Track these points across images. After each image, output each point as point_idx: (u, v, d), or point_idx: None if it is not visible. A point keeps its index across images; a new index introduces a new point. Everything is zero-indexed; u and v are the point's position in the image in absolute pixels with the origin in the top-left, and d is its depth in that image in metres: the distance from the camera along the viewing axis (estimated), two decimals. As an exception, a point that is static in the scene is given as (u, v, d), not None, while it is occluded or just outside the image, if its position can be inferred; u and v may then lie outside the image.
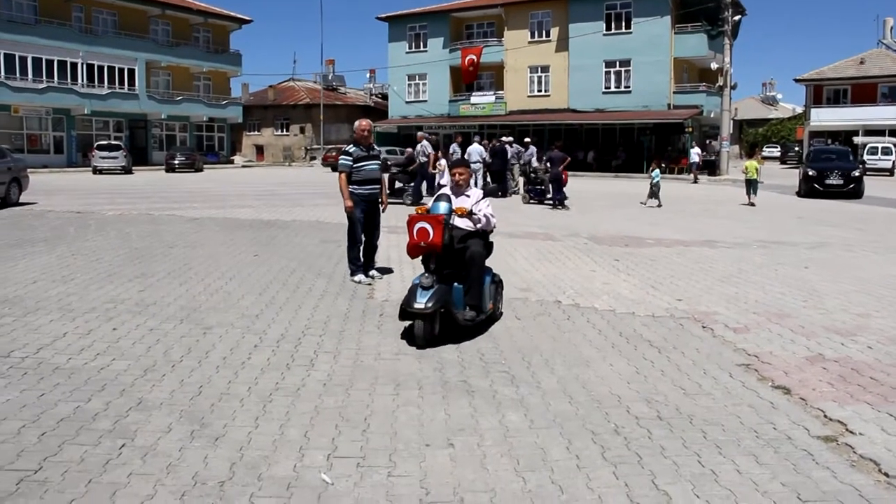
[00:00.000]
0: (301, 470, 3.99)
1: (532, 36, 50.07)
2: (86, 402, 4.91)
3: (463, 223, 6.90)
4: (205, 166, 47.07)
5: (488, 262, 7.09)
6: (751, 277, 9.82)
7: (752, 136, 79.80)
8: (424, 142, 22.32)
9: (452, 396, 5.16)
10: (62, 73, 46.98)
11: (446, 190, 7.19)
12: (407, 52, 55.05)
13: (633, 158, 44.85)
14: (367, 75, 71.17)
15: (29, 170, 21.33)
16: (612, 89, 47.03)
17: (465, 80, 50.90)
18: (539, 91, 50.04)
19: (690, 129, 44.62)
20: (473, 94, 52.26)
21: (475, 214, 6.85)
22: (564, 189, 20.39)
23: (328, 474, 3.94)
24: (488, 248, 7.08)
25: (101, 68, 48.95)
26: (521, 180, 26.52)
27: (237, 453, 4.17)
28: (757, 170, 22.64)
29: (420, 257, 6.70)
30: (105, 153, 40.46)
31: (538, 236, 14.04)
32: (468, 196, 7.04)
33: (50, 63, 46.31)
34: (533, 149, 26.65)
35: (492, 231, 7.14)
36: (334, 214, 13.39)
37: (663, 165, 44.26)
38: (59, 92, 46.43)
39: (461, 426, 4.64)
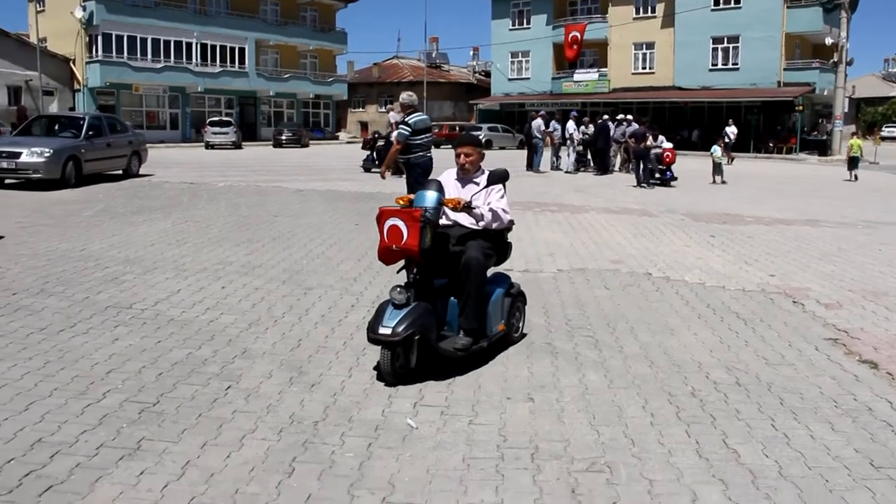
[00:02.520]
0: (388, 415, 4.30)
1: (637, 12, 49.18)
2: (197, 349, 5.38)
3: (465, 219, 5.37)
4: (310, 142, 48.29)
5: (510, 266, 6.18)
6: (850, 256, 9.63)
7: (870, 116, 76.20)
8: (538, 120, 23.33)
9: (536, 357, 5.39)
10: (178, 53, 49.01)
11: (448, 174, 5.61)
12: (510, 30, 54.95)
13: (740, 137, 43.61)
14: (471, 53, 71.49)
15: (147, 144, 22.48)
16: (720, 66, 45.81)
17: (568, 57, 50.51)
18: (643, 68, 49.17)
19: (801, 108, 43.06)
20: (576, 71, 51.77)
21: (475, 208, 5.22)
22: (672, 168, 20.17)
23: (414, 420, 4.23)
24: (499, 251, 5.51)
25: (213, 48, 50.80)
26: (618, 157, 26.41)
27: (331, 398, 4.52)
28: (860, 147, 22.77)
29: (403, 264, 5.07)
30: (217, 129, 42.02)
31: (635, 212, 14.05)
32: (477, 183, 5.39)
33: (167, 44, 48.37)
34: (634, 125, 26.40)
35: (509, 229, 5.59)
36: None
37: (770, 144, 43.19)
38: (175, 71, 48.47)
39: (542, 383, 4.86)
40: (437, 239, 5.03)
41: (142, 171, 20.83)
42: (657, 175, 19.99)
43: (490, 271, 5.45)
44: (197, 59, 49.84)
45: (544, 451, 3.87)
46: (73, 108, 43.01)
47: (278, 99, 55.81)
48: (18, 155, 16.38)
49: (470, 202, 5.20)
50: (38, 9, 46.67)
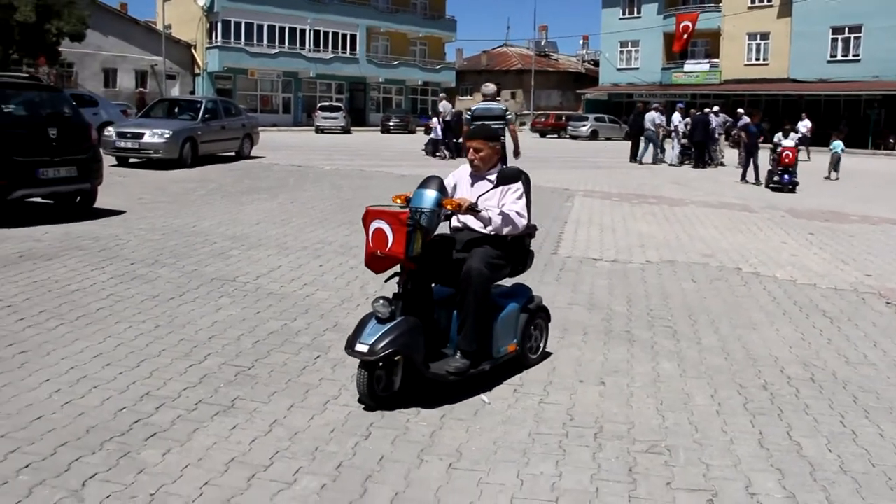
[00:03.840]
0: (464, 390, 4.56)
1: (752, 1, 47.66)
2: (292, 321, 5.78)
3: (475, 222, 4.74)
4: (417, 128, 48.94)
5: (529, 278, 5.34)
6: (959, 259, 9.31)
7: None
8: (653, 113, 23.72)
9: (613, 344, 5.55)
10: (292, 39, 50.56)
11: (463, 170, 4.98)
12: (620, 18, 54.21)
13: (857, 132, 41.79)
14: (581, 42, 70.79)
15: (260, 128, 23.39)
16: (839, 57, 43.92)
17: (677, 47, 49.44)
18: (757, 59, 47.67)
19: (929, 103, 40.95)
20: (686, 62, 50.66)
21: (482, 210, 4.60)
22: (793, 170, 17.30)
23: (488, 395, 4.48)
24: (515, 260, 4.88)
25: (326, 34, 52.13)
26: (728, 151, 25.88)
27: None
28: None
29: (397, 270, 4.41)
30: (327, 114, 43.20)
31: (734, 207, 13.85)
32: (490, 181, 4.75)
33: (282, 30, 49.96)
34: (745, 119, 25.78)
35: (531, 235, 5.03)
36: (533, 177, 13.87)
37: (891, 140, 41.21)
38: (289, 57, 50.00)
39: (615, 369, 5.03)
40: (439, 244, 4.59)
41: (253, 154, 21.71)
42: (775, 178, 17.35)
43: (509, 282, 5.03)
44: (310, 46, 51.25)
45: (608, 431, 4.05)
46: (192, 92, 44.93)
47: (387, 85, 56.74)
48: (141, 136, 17.41)
49: (475, 203, 4.57)
50: (165, -4, 48.89)
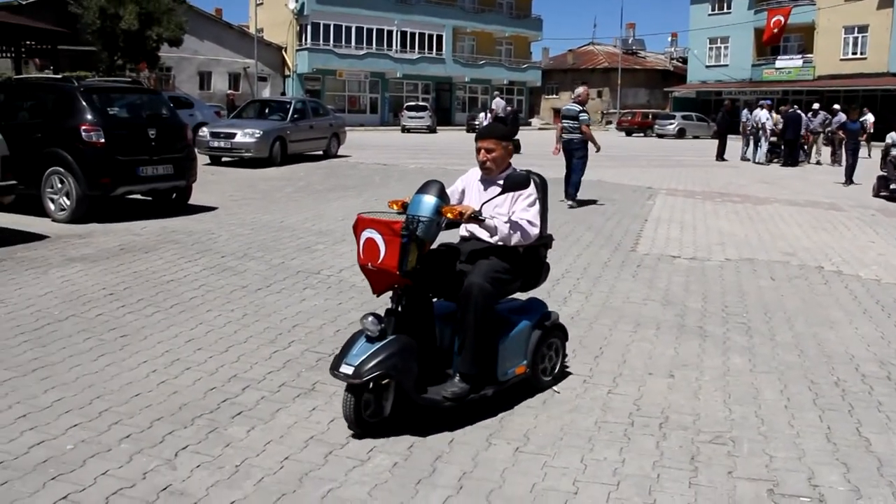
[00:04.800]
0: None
1: (851, -7, 46.09)
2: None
3: (482, 231, 4.32)
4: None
5: (544, 291, 4.99)
6: None
7: None
8: (762, 111, 23.56)
9: (685, 338, 5.60)
10: (379, 40, 51.32)
11: (473, 173, 4.59)
12: (709, 15, 53.17)
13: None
14: (669, 39, 69.63)
15: (347, 127, 23.93)
16: (943, 51, 42.09)
17: (768, 42, 48.16)
18: (854, 53, 46.01)
19: None
20: (778, 58, 49.29)
21: (486, 219, 4.18)
22: None
23: (557, 386, 4.62)
24: (526, 273, 4.46)
25: (412, 35, 52.72)
26: (825, 149, 25.18)
27: (485, 361, 4.98)
28: None
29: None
30: (413, 113, 43.71)
31: (821, 205, 13.55)
32: (500, 185, 4.26)
33: (369, 31, 50.77)
34: (841, 115, 25.07)
35: (546, 245, 4.65)
36: (614, 175, 13.97)
37: None
38: (376, 57, 50.78)
39: (685, 362, 5.09)
40: (441, 255, 4.26)
41: (340, 153, 22.22)
42: (892, 186, 14.96)
43: (523, 295, 4.68)
44: (397, 46, 51.92)
45: (673, 421, 4.14)
46: (283, 93, 46.08)
47: (473, 85, 57.00)
48: (233, 135, 18.09)
49: (479, 211, 4.15)
50: (258, 2, 50.29)
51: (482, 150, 4.42)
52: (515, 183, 4.15)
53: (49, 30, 23.16)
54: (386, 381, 3.84)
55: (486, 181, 4.46)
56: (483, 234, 4.32)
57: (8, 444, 3.66)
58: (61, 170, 9.60)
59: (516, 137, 26.06)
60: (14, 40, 22.89)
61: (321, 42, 48.96)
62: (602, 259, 8.25)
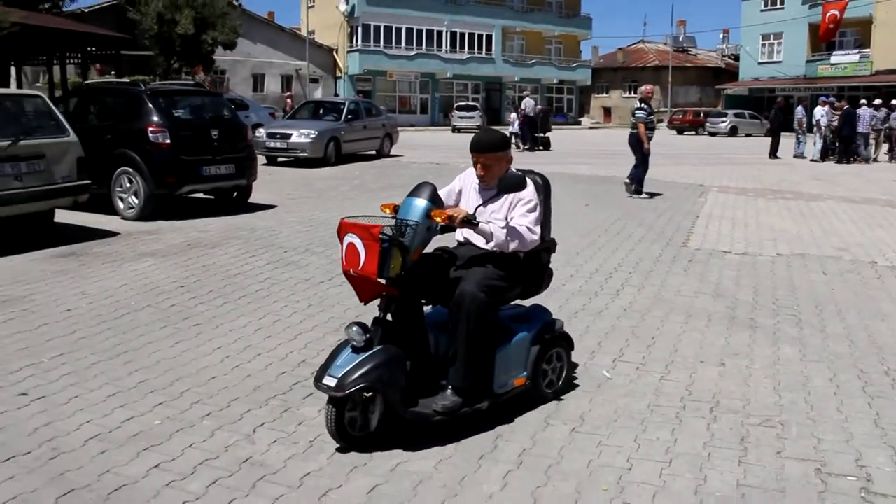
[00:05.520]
0: (589, 366, 4.91)
1: (911, -14, 45.06)
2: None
3: (475, 237, 4.10)
4: (553, 127, 48.97)
5: (546, 297, 4.61)
6: None
7: None
8: (820, 107, 23.43)
9: (736, 329, 5.74)
10: (429, 41, 51.76)
11: (467, 176, 4.31)
12: (762, 10, 52.46)
13: None
14: (721, 35, 68.81)
15: (398, 128, 24.28)
16: None
17: (823, 37, 47.24)
18: (913, 48, 44.97)
19: None
20: (833, 53, 48.38)
21: (480, 224, 3.94)
22: None
23: (610, 372, 4.81)
24: (527, 280, 4.25)
25: (462, 35, 53.04)
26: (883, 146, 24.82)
27: (540, 349, 5.19)
28: None
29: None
30: (463, 113, 43.93)
31: (877, 202, 13.45)
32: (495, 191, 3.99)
33: (419, 32, 51.23)
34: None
35: (549, 250, 4.41)
36: (668, 173, 14.05)
37: None
38: (426, 58, 51.21)
39: (736, 352, 5.23)
40: (434, 260, 4.11)
41: (392, 152, 22.56)
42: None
43: (528, 302, 4.50)
44: (447, 47, 52.28)
45: (724, 406, 4.30)
46: (336, 95, 46.72)
47: (523, 84, 56.94)
48: (289, 136, 18.54)
49: (473, 215, 3.91)
50: (309, 4, 51.15)
51: (479, 164, 4.09)
52: (511, 184, 3.88)
53: (112, 36, 23.92)
54: (369, 394, 3.67)
55: (484, 190, 4.15)
56: (478, 240, 4.07)
57: (102, 418, 3.99)
58: (130, 170, 10.03)
59: (546, 135, 27.02)
60: (80, 47, 23.69)
61: (372, 43, 49.54)
62: (654, 254, 8.38)
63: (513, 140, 26.78)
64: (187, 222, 9.94)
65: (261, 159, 16.85)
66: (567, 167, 19.78)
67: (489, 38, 54.22)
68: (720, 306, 6.36)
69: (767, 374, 4.80)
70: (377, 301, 3.81)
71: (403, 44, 50.78)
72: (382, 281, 3.64)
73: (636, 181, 13.28)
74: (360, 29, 49.34)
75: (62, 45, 23.32)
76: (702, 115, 48.90)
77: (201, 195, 11.40)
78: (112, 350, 5.05)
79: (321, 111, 21.44)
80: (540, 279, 4.37)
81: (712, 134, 44.10)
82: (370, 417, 3.73)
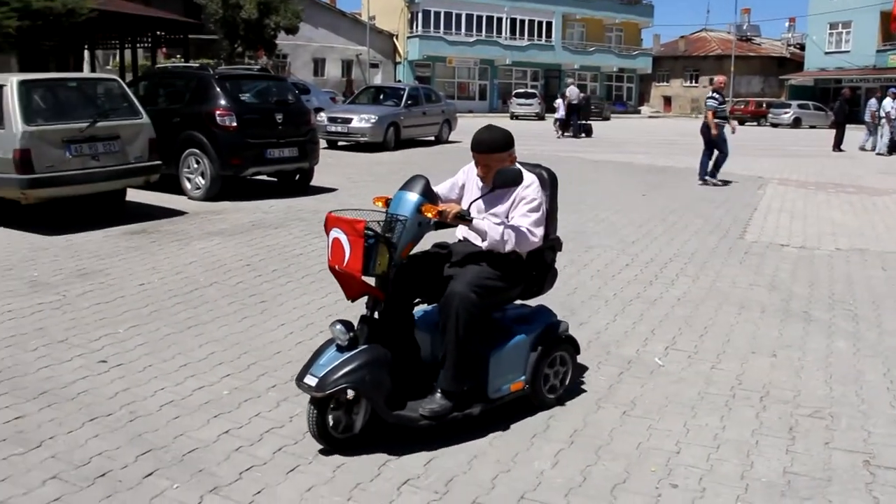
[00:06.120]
0: (641, 353, 5.01)
1: None
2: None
3: (473, 234, 3.87)
4: (612, 115, 48.66)
5: (553, 298, 4.43)
6: None
7: None
8: (887, 99, 23.11)
9: (790, 322, 5.77)
10: (489, 27, 51.71)
11: (470, 168, 4.14)
12: (831, -2, 51.17)
13: None
14: (786, 24, 67.21)
15: (457, 113, 24.41)
16: None
17: (895, 26, 45.83)
18: None
19: None
20: (907, 43, 46.96)
21: (474, 220, 3.78)
22: None
23: (662, 360, 4.90)
24: (527, 279, 4.05)
25: (522, 22, 52.86)
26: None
27: (595, 335, 5.32)
28: None
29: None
30: (522, 100, 43.90)
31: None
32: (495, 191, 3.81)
33: (479, 18, 51.22)
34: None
35: (553, 249, 4.21)
36: (727, 164, 13.88)
37: None
38: (486, 44, 51.18)
39: (789, 344, 5.28)
40: (428, 258, 3.95)
41: (451, 138, 22.71)
42: None
43: (534, 301, 4.32)
44: (506, 33, 52.16)
45: (774, 396, 4.37)
46: (399, 81, 47.02)
47: (582, 72, 56.63)
48: (350, 121, 18.81)
49: (467, 211, 3.78)
50: (370, -11, 51.43)
51: (481, 166, 3.95)
52: (507, 179, 3.70)
53: (180, 21, 24.48)
54: (351, 396, 3.56)
55: (486, 191, 3.92)
56: (476, 238, 3.85)
57: (175, 386, 4.24)
58: (197, 151, 10.37)
59: (588, 123, 27.69)
60: (150, 31, 24.31)
61: (432, 29, 49.68)
62: (710, 245, 8.40)
63: (556, 126, 27.58)
64: (251, 203, 10.24)
65: (322, 143, 17.21)
66: (625, 156, 19.74)
67: (549, 24, 53.91)
68: (775, 299, 6.38)
69: (819, 367, 4.84)
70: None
71: (463, 30, 50.81)
72: (368, 279, 3.50)
73: (704, 168, 13.87)
74: (420, 14, 49.51)
75: (133, 30, 23.95)
76: (764, 105, 47.98)
77: (265, 177, 11.70)
78: (183, 323, 5.32)
79: (381, 96, 21.71)
80: (542, 279, 4.17)
81: (774, 125, 43.29)
82: (354, 419, 3.59)
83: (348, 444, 3.57)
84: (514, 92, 46.47)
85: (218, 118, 10.28)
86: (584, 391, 4.35)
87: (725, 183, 13.81)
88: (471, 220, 3.75)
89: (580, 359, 4.79)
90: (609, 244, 8.30)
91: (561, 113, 27.32)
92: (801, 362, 4.92)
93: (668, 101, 64.73)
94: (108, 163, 8.54)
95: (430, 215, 3.57)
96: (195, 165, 10.45)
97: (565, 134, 26.95)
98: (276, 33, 34.56)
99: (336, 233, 3.48)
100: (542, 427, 3.89)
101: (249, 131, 10.44)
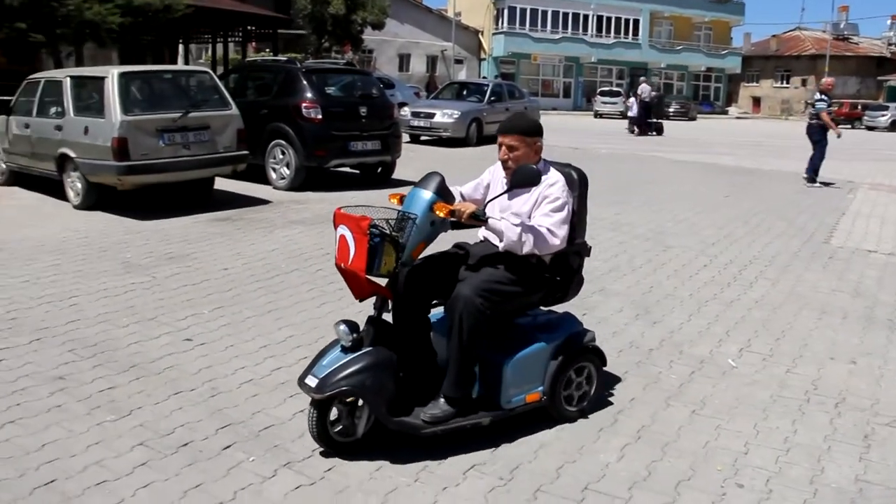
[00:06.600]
0: (714, 354, 4.97)
1: None
2: (561, 283, 6.43)
3: (491, 235, 3.73)
4: (698, 115, 47.76)
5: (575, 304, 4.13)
6: None
7: None
8: None
9: (873, 328, 5.62)
10: (575, 24, 51.40)
11: (497, 169, 3.93)
12: (939, -2, 49.07)
13: None
14: (888, 22, 64.59)
15: (540, 111, 24.34)
16: None
17: None
18: None
19: None
20: None
21: (490, 220, 3.58)
22: None
23: (735, 361, 4.86)
24: (548, 285, 3.82)
25: (608, 19, 52.35)
26: None
27: (668, 334, 5.29)
28: None
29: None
30: (606, 98, 43.48)
31: None
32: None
33: (565, 16, 50.94)
34: None
35: (580, 254, 3.94)
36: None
37: None
38: (571, 42, 50.90)
39: (870, 351, 5.15)
40: (444, 258, 3.79)
41: (533, 136, 22.61)
42: None
43: (561, 308, 4.10)
44: (592, 31, 51.75)
45: (850, 403, 4.29)
46: (484, 77, 47.15)
47: (669, 71, 55.79)
48: (433, 115, 18.98)
49: (482, 211, 3.55)
50: (456, -15, 51.63)
51: (503, 147, 3.72)
52: (524, 179, 3.48)
53: (270, 16, 25.08)
54: (350, 398, 3.44)
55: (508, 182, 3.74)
56: (495, 238, 3.67)
57: (255, 366, 4.43)
58: (283, 142, 10.66)
59: (659, 121, 27.28)
60: (241, 26, 25.00)
61: (517, 26, 49.64)
62: (792, 249, 8.22)
63: (629, 124, 27.54)
64: (333, 194, 10.47)
65: (404, 137, 17.43)
66: (709, 157, 19.39)
67: (636, 22, 53.20)
68: (858, 305, 6.22)
69: (901, 375, 4.73)
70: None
71: (549, 27, 50.61)
72: (373, 278, 3.37)
73: (810, 171, 13.85)
74: (506, 11, 49.50)
75: (225, 25, 24.67)
76: (859, 107, 46.36)
77: (347, 169, 11.93)
78: (264, 307, 5.52)
79: (464, 92, 21.81)
80: (566, 286, 3.92)
81: (870, 128, 41.81)
82: (357, 423, 3.48)
83: (351, 449, 3.48)
84: (598, 90, 46.04)
85: (304, 110, 10.54)
86: (655, 388, 4.35)
87: (826, 185, 13.75)
88: (486, 221, 3.55)
89: (650, 356, 4.82)
90: (688, 244, 8.21)
91: (634, 111, 27.19)
92: (881, 370, 4.81)
93: (756, 101, 63.12)
94: (199, 152, 8.87)
95: (441, 214, 3.38)
96: (281, 156, 10.74)
97: (637, 132, 26.82)
98: (362, 29, 35.06)
99: (342, 230, 3.34)
100: (610, 421, 3.92)
101: (334, 124, 10.67)
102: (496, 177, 3.91)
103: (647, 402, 4.18)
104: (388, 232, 3.32)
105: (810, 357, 4.99)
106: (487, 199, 3.72)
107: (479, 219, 3.49)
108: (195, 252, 7.07)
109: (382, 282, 3.47)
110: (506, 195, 3.67)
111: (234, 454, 3.43)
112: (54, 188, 9.54)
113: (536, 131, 3.76)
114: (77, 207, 8.96)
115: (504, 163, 3.73)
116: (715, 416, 4.04)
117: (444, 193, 3.47)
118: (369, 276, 3.32)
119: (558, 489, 3.26)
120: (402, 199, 3.63)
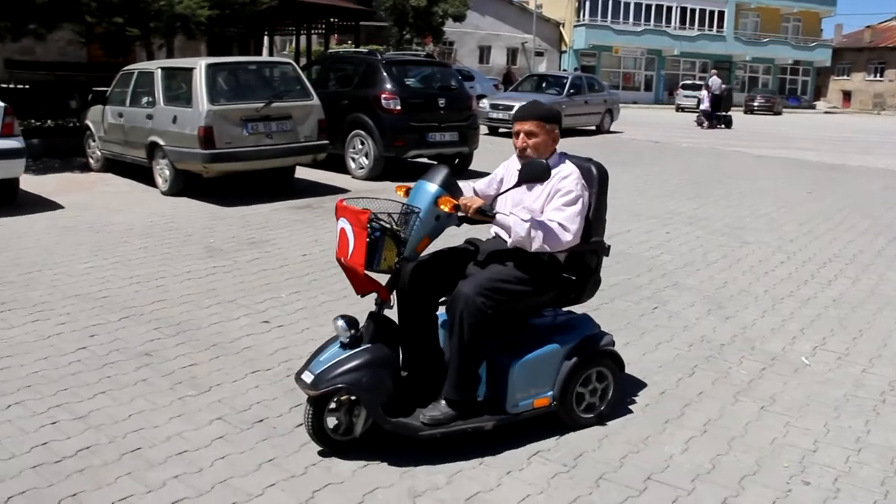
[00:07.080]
0: (787, 351, 4.91)
1: None
2: (635, 276, 6.44)
3: (502, 230, 3.58)
4: (784, 110, 46.43)
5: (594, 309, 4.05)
6: None
7: None
8: None
9: (958, 331, 5.46)
10: (658, 16, 50.57)
11: (511, 163, 3.78)
12: None
13: None
14: None
15: (620, 104, 24.12)
16: None
17: None
18: None
19: None
20: None
21: (499, 215, 3.46)
22: None
23: (809, 359, 4.79)
24: (563, 284, 3.65)
25: (692, 11, 51.31)
26: None
27: (740, 330, 5.25)
28: None
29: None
30: (689, 92, 42.56)
31: None
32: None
33: (648, 7, 50.18)
34: None
35: (596, 252, 3.72)
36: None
37: None
38: (654, 34, 50.06)
39: (953, 353, 5.02)
40: (453, 254, 3.66)
41: (612, 129, 22.48)
42: None
43: (579, 308, 3.93)
44: (675, 23, 50.82)
45: (928, 406, 4.20)
46: (565, 70, 46.82)
47: (754, 64, 54.40)
48: (511, 108, 18.96)
49: (491, 205, 3.54)
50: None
51: (521, 134, 3.55)
52: (532, 173, 3.31)
53: (353, 8, 25.41)
54: (345, 396, 3.34)
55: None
56: (503, 233, 3.54)
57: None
58: (362, 133, 10.86)
59: (728, 114, 26.78)
60: (324, 18, 25.42)
61: (599, 18, 49.10)
62: (876, 247, 8.00)
63: (699, 117, 27.03)
64: (411, 184, 10.57)
65: (482, 129, 17.50)
66: (792, 152, 18.91)
67: (721, 14, 51.99)
68: (944, 306, 6.05)
69: None
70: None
71: (631, 19, 49.90)
72: (374, 276, 3.26)
73: None
74: (587, 3, 49.03)
75: (309, 17, 25.12)
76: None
77: (425, 159, 12.08)
78: (339, 292, 5.68)
79: (544, 84, 21.75)
80: (581, 286, 3.72)
81: (970, 125, 40.03)
82: (355, 422, 3.38)
83: (348, 447, 3.39)
84: (681, 83, 45.20)
85: (383, 101, 10.72)
86: (725, 383, 4.34)
87: None
88: (493, 216, 3.42)
89: (721, 352, 4.79)
90: (766, 240, 8.07)
91: (706, 104, 26.69)
92: (966, 374, 4.68)
93: (847, 95, 60.88)
94: (280, 141, 9.13)
95: (445, 208, 3.22)
96: (360, 146, 10.95)
97: (706, 125, 26.33)
98: (443, 21, 35.20)
99: (343, 223, 3.21)
100: (677, 414, 3.93)
101: (413, 115, 10.83)
102: (510, 171, 3.75)
103: (716, 396, 4.17)
104: (389, 226, 3.21)
105: (889, 357, 4.88)
106: (500, 192, 3.63)
107: (486, 214, 3.36)
108: (275, 238, 7.31)
109: (383, 280, 3.36)
110: (517, 189, 3.50)
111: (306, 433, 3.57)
112: (144, 175, 9.96)
113: (554, 118, 3.62)
114: (165, 193, 9.34)
115: (522, 151, 3.55)
116: (784, 413, 4.01)
117: (450, 187, 3.33)
118: (369, 273, 3.21)
119: (621, 478, 3.30)
120: (408, 192, 3.51)
